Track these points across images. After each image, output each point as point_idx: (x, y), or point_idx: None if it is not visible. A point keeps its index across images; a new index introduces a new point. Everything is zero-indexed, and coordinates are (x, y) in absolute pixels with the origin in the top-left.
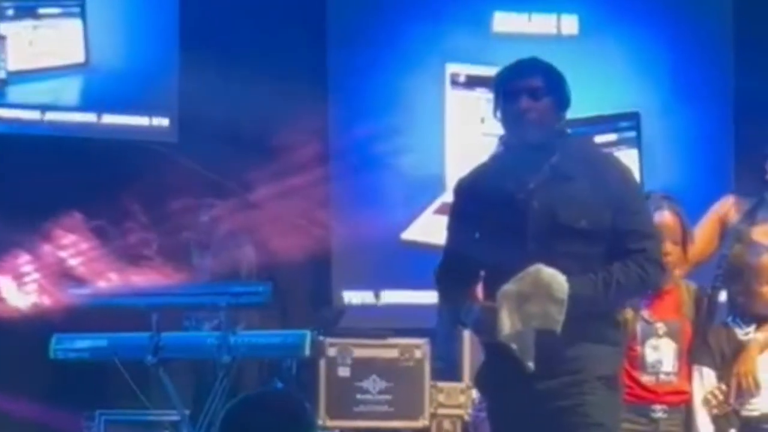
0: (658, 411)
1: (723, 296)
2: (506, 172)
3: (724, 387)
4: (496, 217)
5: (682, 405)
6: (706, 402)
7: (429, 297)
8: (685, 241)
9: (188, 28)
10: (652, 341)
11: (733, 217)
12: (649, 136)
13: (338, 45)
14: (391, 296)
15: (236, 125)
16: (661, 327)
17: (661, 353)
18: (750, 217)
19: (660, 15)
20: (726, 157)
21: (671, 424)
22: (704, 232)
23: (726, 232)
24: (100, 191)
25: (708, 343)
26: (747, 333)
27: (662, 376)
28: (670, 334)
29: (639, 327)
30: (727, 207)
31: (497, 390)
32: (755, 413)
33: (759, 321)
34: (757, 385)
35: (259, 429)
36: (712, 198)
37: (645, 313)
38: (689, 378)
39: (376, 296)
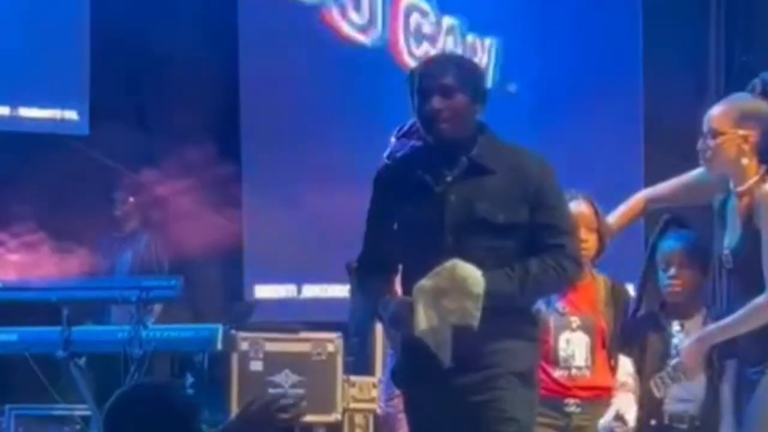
0: (572, 405)
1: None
2: (424, 164)
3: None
4: (413, 210)
5: (596, 399)
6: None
7: (341, 290)
8: (600, 230)
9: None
10: (566, 335)
11: None
12: None
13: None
14: (303, 290)
15: (148, 119)
16: (575, 320)
17: (573, 347)
18: None
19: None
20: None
21: (585, 419)
22: None
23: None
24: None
25: (627, 332)
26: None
27: (574, 371)
28: (584, 328)
29: (552, 319)
30: None
31: (414, 385)
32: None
33: (682, 314)
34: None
35: (139, 422)
36: None
37: (559, 306)
38: (607, 373)
39: (289, 290)
